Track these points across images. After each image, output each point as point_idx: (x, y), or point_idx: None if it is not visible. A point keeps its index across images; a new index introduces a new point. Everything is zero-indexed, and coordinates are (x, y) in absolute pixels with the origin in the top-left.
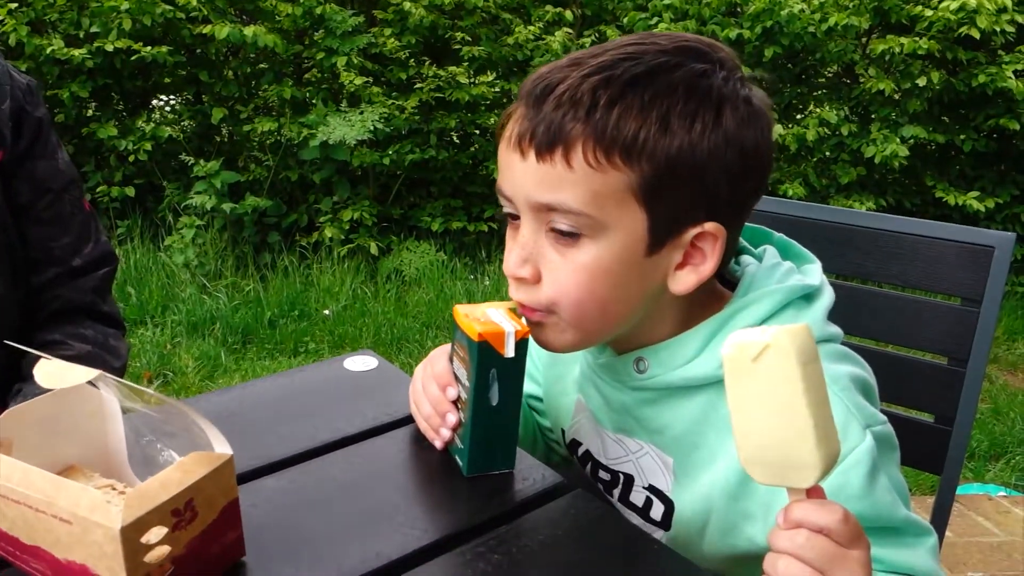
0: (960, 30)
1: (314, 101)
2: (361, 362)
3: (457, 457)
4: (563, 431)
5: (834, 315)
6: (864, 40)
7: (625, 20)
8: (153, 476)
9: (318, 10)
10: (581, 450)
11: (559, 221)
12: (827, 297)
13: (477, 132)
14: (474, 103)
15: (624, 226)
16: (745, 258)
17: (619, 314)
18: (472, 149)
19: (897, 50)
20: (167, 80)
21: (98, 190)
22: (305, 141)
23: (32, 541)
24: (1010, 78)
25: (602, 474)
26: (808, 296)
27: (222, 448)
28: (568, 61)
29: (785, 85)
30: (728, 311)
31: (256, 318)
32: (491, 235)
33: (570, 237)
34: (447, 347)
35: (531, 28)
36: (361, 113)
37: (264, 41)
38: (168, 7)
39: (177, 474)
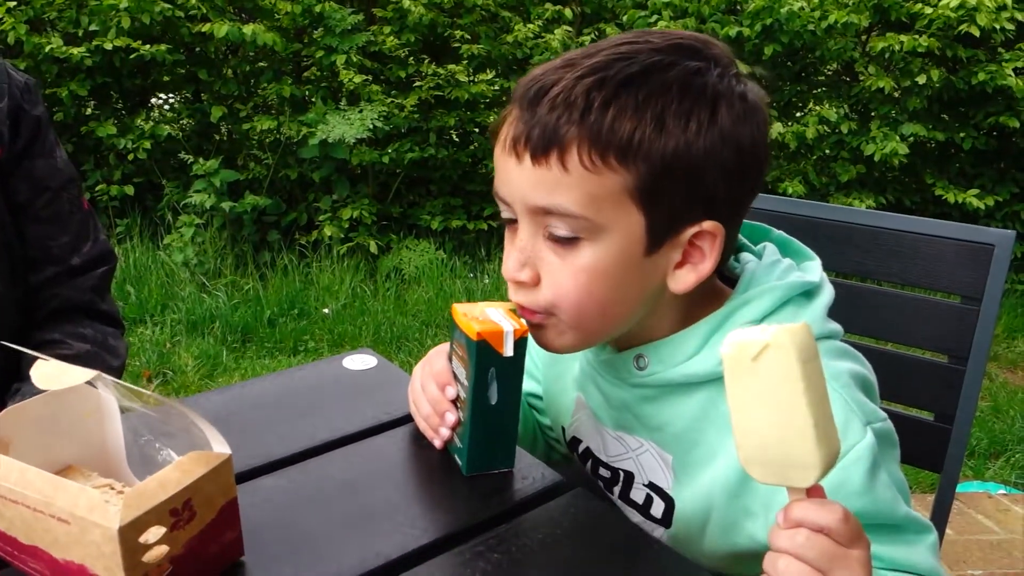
0: (960, 28)
1: (313, 99)
2: (360, 361)
3: (456, 456)
4: (563, 429)
5: (834, 313)
6: (864, 38)
7: (624, 18)
8: (151, 476)
9: (317, 8)
10: (581, 447)
11: (556, 224)
12: (827, 294)
13: (476, 130)
14: (473, 101)
15: (622, 227)
16: (745, 255)
17: (619, 315)
18: (471, 147)
19: (897, 48)
20: (166, 78)
21: (97, 189)
22: (304, 139)
23: (30, 541)
24: (1010, 76)
25: (602, 471)
26: (808, 293)
27: (220, 447)
28: (561, 62)
29: (785, 83)
30: (728, 308)
31: (255, 317)
32: (491, 233)
33: (568, 240)
34: (446, 346)
35: (530, 26)
36: (360, 111)
37: (263, 39)
38: (167, 5)
39: (175, 474)
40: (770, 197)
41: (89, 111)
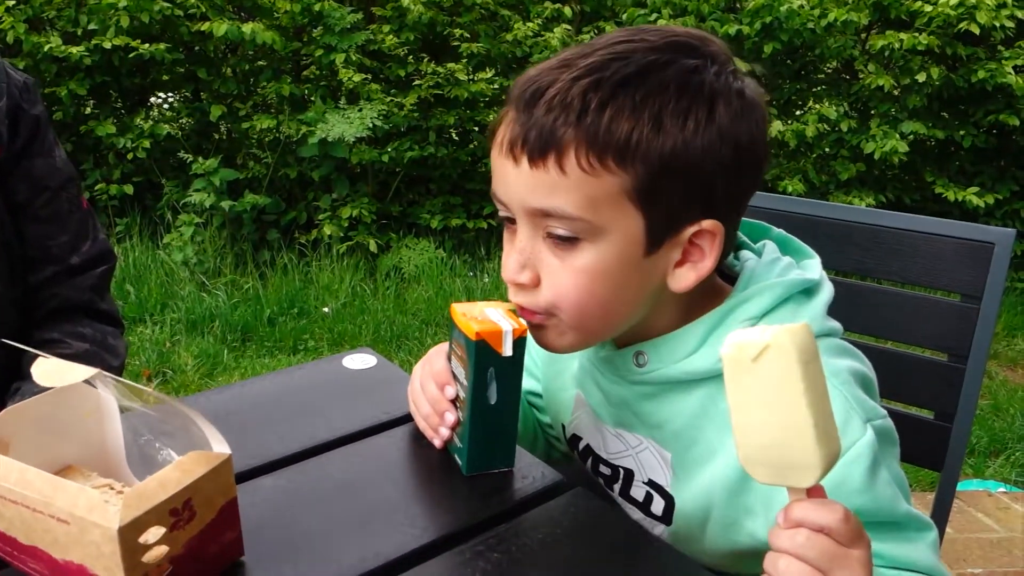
0: (960, 26)
1: (313, 98)
2: (360, 360)
3: (456, 456)
4: (563, 426)
5: (834, 312)
6: (863, 36)
7: (624, 16)
8: (151, 476)
9: (316, 7)
10: (582, 445)
11: (556, 226)
12: (827, 292)
13: (476, 129)
14: (473, 100)
15: (621, 228)
16: (744, 252)
17: (620, 314)
18: (471, 146)
19: (896, 46)
20: (165, 77)
21: (96, 188)
22: (304, 138)
23: (30, 541)
24: (1010, 74)
25: (603, 468)
26: (808, 291)
27: (220, 447)
28: (557, 62)
29: (784, 81)
30: (728, 305)
31: (255, 316)
32: (490, 232)
33: (567, 241)
34: (445, 346)
35: (530, 24)
36: (360, 110)
37: (262, 38)
38: (166, 4)
39: (175, 473)
40: (770, 195)
41: (88, 110)
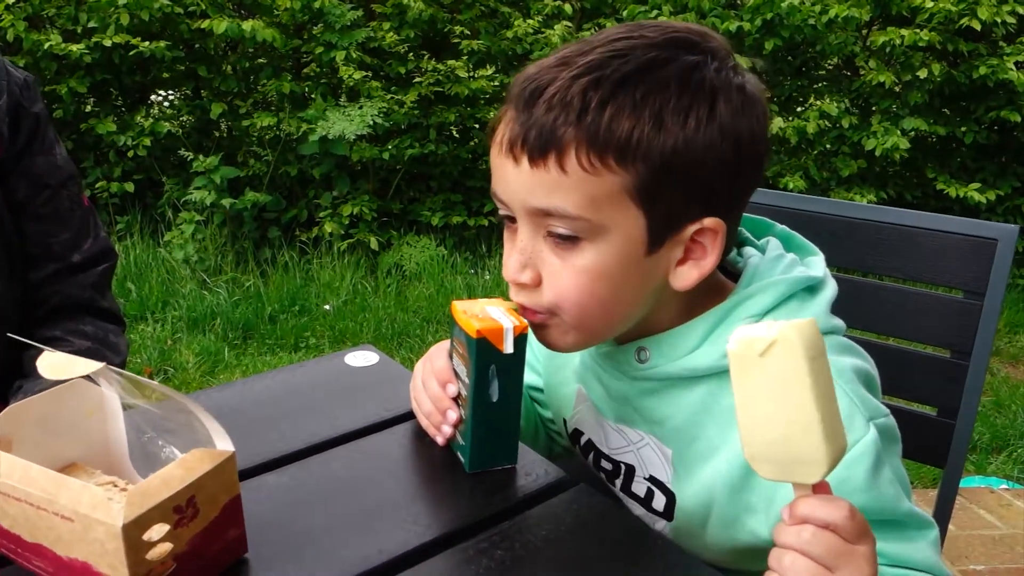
0: (961, 21)
1: (313, 96)
2: (362, 357)
3: (459, 453)
4: (565, 421)
5: (836, 308)
6: (864, 32)
7: (624, 13)
8: (155, 473)
9: (316, 4)
10: (583, 440)
11: (557, 225)
12: (830, 289)
13: (476, 126)
14: (473, 97)
15: (622, 227)
16: (748, 249)
17: (622, 313)
18: (472, 143)
19: (898, 42)
20: (165, 75)
21: (97, 186)
22: (304, 136)
23: (34, 539)
24: (1011, 70)
25: (604, 464)
26: (811, 288)
27: (224, 445)
28: (556, 60)
29: (785, 78)
30: (731, 302)
31: (256, 313)
32: (491, 229)
33: (569, 241)
34: (446, 343)
35: (530, 21)
36: (360, 108)
37: (263, 35)
38: (166, 2)
39: (179, 471)
40: (771, 192)
41: (89, 108)
